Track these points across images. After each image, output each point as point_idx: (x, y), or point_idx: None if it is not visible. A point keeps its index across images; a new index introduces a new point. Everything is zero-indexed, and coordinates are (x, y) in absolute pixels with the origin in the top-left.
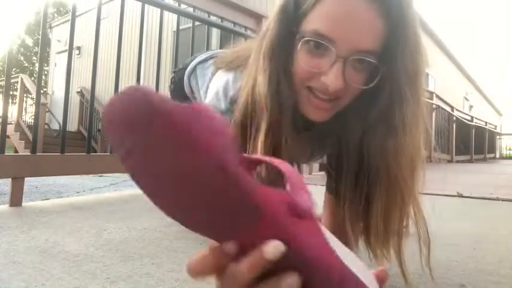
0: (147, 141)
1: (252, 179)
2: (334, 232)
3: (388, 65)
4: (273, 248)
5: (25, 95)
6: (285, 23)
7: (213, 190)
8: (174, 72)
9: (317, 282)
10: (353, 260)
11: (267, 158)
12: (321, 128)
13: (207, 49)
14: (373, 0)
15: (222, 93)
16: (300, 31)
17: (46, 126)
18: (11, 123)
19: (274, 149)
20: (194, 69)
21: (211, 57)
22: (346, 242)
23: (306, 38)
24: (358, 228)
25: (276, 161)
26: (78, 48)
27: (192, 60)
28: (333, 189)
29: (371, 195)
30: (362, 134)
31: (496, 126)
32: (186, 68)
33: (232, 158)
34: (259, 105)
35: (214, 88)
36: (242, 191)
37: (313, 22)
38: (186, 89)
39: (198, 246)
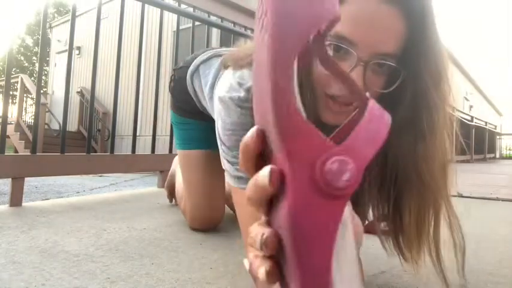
0: None
1: (295, 108)
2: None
3: (411, 68)
4: (262, 177)
5: (25, 95)
6: None
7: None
8: (174, 70)
9: (293, 266)
10: (350, 274)
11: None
12: None
13: None
14: (395, 2)
15: (236, 85)
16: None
17: (46, 126)
18: (11, 123)
19: None
20: (197, 68)
21: (214, 56)
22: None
23: (327, 42)
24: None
25: (365, 96)
26: (78, 48)
27: (192, 58)
28: None
29: (401, 200)
30: (388, 139)
31: (496, 126)
32: (186, 66)
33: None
34: None
35: (226, 82)
36: (276, 109)
37: None
38: (189, 89)
39: (198, 246)
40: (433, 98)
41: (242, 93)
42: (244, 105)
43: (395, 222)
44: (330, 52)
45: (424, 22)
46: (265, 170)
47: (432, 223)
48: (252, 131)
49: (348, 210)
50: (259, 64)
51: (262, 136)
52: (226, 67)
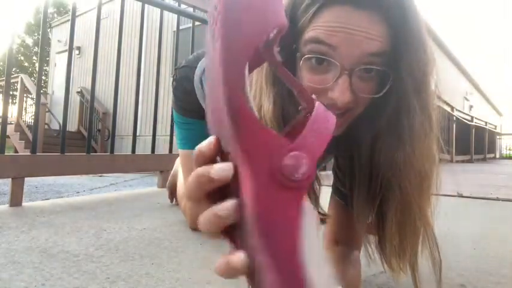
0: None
1: (249, 109)
2: (340, 238)
3: (395, 71)
4: (216, 171)
5: (25, 95)
6: (282, 39)
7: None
8: (176, 69)
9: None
10: (319, 264)
11: (304, 89)
12: (334, 140)
13: None
14: (371, 7)
15: None
16: (300, 48)
17: (46, 126)
18: (11, 123)
19: None
20: (203, 72)
21: None
22: (351, 247)
23: (307, 55)
24: (365, 234)
25: (314, 100)
26: (78, 48)
27: (195, 58)
28: (341, 193)
29: (385, 207)
30: (372, 144)
31: (496, 126)
32: (189, 66)
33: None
34: None
35: None
36: (231, 114)
37: (312, 33)
38: (198, 93)
39: (198, 247)
40: (413, 102)
41: None
42: None
43: (378, 229)
44: (313, 62)
45: (405, 24)
46: (221, 164)
47: (413, 233)
48: (209, 140)
49: (308, 202)
50: (211, 70)
51: (218, 144)
52: None
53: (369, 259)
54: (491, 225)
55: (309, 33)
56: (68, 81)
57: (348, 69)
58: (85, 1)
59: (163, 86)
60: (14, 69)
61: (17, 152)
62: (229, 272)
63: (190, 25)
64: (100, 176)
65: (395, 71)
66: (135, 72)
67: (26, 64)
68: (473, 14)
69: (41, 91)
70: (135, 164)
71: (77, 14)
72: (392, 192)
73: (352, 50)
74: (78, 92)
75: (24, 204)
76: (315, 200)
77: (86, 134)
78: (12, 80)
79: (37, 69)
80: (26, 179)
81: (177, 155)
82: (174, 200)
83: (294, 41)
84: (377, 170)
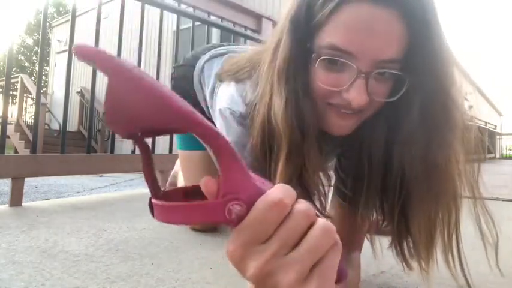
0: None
1: None
2: (340, 238)
3: (418, 71)
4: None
5: (25, 95)
6: (297, 35)
7: None
8: (174, 67)
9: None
10: None
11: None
12: (342, 140)
13: None
14: (391, 4)
15: (238, 97)
16: (315, 47)
17: (46, 126)
18: (11, 123)
19: (298, 177)
20: (202, 69)
21: (215, 56)
22: (351, 247)
23: (323, 57)
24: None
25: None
26: None
27: (193, 57)
28: (343, 194)
29: (407, 209)
30: (392, 146)
31: (496, 126)
32: (186, 65)
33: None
34: (277, 131)
35: (227, 93)
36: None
37: (329, 35)
38: (199, 96)
39: (198, 246)
40: (446, 102)
41: (243, 108)
42: (244, 123)
43: (400, 230)
44: (327, 64)
45: (426, 22)
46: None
47: (447, 229)
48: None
49: None
50: None
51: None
52: (221, 81)
53: (378, 257)
54: None
55: (326, 39)
56: (68, 81)
57: (365, 72)
58: (85, 1)
59: None
60: (14, 69)
61: (17, 152)
62: None
63: (190, 25)
64: (100, 176)
65: (420, 70)
66: None
67: (26, 64)
68: (473, 14)
69: (41, 91)
70: (135, 164)
71: (77, 14)
72: (421, 192)
73: (370, 54)
74: (78, 92)
75: (24, 204)
76: (324, 200)
77: (86, 134)
78: (12, 80)
79: (37, 69)
80: (26, 179)
81: (177, 155)
82: None
83: (308, 37)
84: (397, 172)
